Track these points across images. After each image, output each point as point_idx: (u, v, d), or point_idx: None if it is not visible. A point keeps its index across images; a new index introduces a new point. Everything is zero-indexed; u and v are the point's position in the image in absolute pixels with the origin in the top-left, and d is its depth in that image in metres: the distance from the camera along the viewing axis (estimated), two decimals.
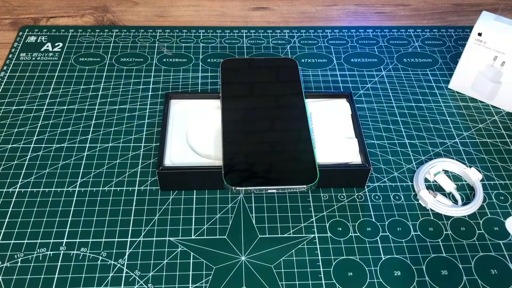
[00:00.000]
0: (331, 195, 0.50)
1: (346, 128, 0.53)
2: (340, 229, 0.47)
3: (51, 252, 0.44)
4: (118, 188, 0.49)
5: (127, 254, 0.44)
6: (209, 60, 0.65)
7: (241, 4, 0.76)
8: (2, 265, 0.43)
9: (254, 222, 0.47)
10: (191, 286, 0.42)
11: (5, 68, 0.62)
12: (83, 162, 0.52)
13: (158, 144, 0.51)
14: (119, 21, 0.72)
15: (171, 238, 0.46)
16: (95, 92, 0.60)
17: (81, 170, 0.51)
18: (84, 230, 0.46)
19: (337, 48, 0.68)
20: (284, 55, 0.66)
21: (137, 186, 0.50)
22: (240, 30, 0.70)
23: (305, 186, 0.44)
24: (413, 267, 0.44)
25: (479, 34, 0.56)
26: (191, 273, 0.43)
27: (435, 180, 0.51)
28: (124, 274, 0.43)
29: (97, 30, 0.69)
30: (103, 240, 0.45)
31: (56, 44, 0.67)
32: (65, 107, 0.58)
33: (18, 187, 0.49)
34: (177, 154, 0.49)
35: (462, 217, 0.48)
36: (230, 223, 0.47)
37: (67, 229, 0.46)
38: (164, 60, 0.65)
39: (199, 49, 0.67)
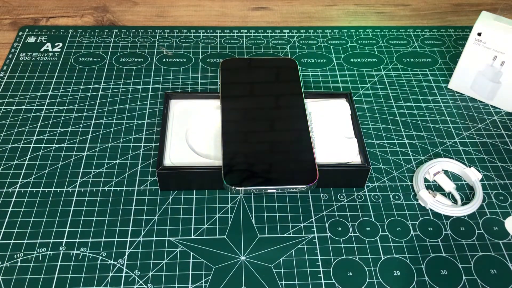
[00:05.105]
0: (330, 195, 0.50)
1: (345, 128, 0.53)
2: (340, 229, 0.47)
3: (51, 252, 0.44)
4: (118, 188, 0.49)
5: (126, 254, 0.44)
6: (209, 60, 0.65)
7: (241, 4, 0.76)
8: (1, 265, 0.43)
9: (253, 222, 0.47)
10: (191, 286, 0.42)
11: (5, 68, 0.62)
12: (83, 162, 0.52)
13: (158, 144, 0.51)
14: (119, 21, 0.72)
15: (170, 238, 0.46)
16: (95, 92, 0.60)
17: (81, 170, 0.51)
18: (83, 230, 0.46)
19: (337, 48, 0.68)
20: (284, 55, 0.66)
21: (136, 186, 0.50)
22: (240, 30, 0.70)
23: (304, 186, 0.44)
24: (413, 267, 0.44)
25: (479, 34, 0.56)
26: (190, 273, 0.43)
27: (434, 180, 0.51)
28: (123, 274, 0.43)
29: (97, 30, 0.69)
30: (103, 240, 0.45)
31: (56, 44, 0.67)
32: (65, 107, 0.58)
33: (18, 187, 0.49)
34: (176, 154, 0.49)
35: (461, 217, 0.48)
36: (229, 223, 0.47)
37: (67, 229, 0.46)
38: (164, 60, 0.65)
39: (199, 49, 0.67)
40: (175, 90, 0.60)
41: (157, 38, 0.68)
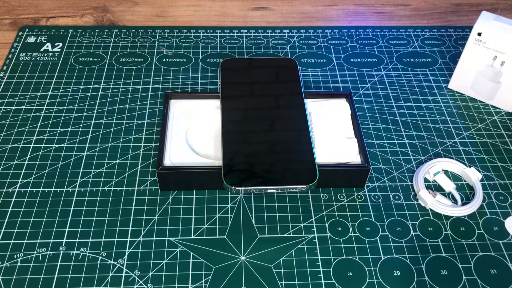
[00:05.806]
0: (330, 195, 0.50)
1: (345, 128, 0.53)
2: (340, 229, 0.47)
3: (51, 252, 0.44)
4: (118, 188, 0.49)
5: (126, 254, 0.44)
6: (209, 60, 0.65)
7: (241, 4, 0.76)
8: (1, 265, 0.43)
9: (253, 222, 0.47)
10: (191, 286, 0.42)
11: (5, 68, 0.62)
12: (83, 162, 0.52)
13: (158, 144, 0.51)
14: (119, 21, 0.72)
15: (170, 238, 0.46)
16: (94, 92, 0.60)
17: (81, 170, 0.51)
18: (83, 230, 0.46)
19: (337, 48, 0.68)
20: (284, 55, 0.66)
21: (136, 186, 0.50)
22: (240, 30, 0.70)
23: (304, 186, 0.44)
24: (413, 267, 0.44)
25: (479, 34, 0.56)
26: (190, 273, 0.43)
27: (434, 180, 0.51)
28: (123, 274, 0.43)
29: (97, 30, 0.69)
30: (103, 240, 0.45)
31: (56, 44, 0.67)
32: (65, 107, 0.58)
33: (17, 187, 0.49)
34: (176, 154, 0.49)
35: (461, 217, 0.48)
36: (229, 223, 0.47)
37: (67, 229, 0.46)
38: (164, 60, 0.65)
39: (198, 49, 0.67)
40: (175, 90, 0.60)
41: (157, 38, 0.68)
